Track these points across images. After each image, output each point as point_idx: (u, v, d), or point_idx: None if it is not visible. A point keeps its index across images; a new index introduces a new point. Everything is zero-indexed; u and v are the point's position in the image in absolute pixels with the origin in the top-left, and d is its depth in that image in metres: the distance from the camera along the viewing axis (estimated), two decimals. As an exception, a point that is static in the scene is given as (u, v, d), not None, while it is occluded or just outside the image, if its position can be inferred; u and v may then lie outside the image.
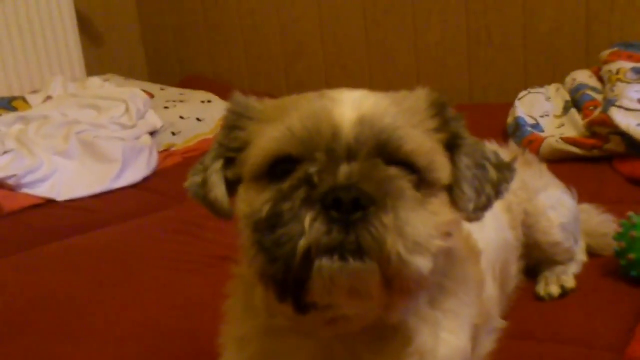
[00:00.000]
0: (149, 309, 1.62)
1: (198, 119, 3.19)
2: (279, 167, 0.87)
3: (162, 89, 3.49)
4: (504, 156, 1.60)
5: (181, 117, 3.18)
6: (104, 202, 2.51)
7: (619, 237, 1.54)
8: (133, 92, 3.12)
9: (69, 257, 1.98)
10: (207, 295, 1.56)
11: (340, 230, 0.79)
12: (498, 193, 0.97)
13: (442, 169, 0.91)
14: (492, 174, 0.97)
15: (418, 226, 0.81)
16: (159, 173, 2.78)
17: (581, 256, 1.66)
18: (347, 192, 0.79)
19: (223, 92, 3.52)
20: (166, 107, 3.24)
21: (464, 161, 0.94)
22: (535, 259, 1.59)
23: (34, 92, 3.26)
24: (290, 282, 0.81)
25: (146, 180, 2.71)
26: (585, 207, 1.78)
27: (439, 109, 0.94)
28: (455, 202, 0.93)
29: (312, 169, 0.82)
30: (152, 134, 3.00)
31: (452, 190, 0.93)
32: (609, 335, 1.33)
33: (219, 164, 0.97)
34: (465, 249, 1.13)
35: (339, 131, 0.86)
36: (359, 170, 0.83)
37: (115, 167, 2.64)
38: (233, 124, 0.97)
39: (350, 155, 0.85)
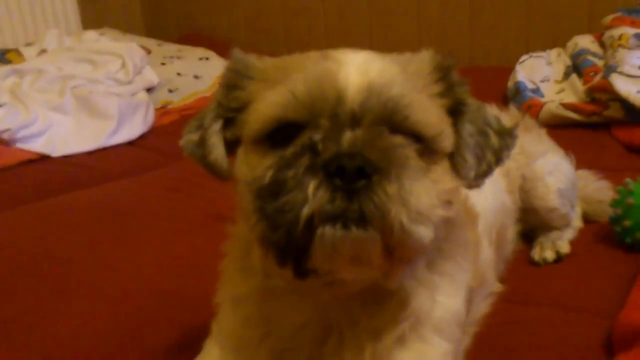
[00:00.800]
0: (143, 267, 1.62)
1: (195, 76, 3.16)
2: (281, 132, 0.86)
3: (159, 45, 3.45)
4: (504, 121, 1.61)
5: (178, 74, 3.15)
6: (99, 159, 2.50)
7: (614, 203, 1.54)
8: (130, 47, 3.08)
9: (63, 214, 1.97)
10: (202, 254, 1.56)
11: (344, 198, 0.78)
12: (499, 160, 0.97)
13: (446, 138, 0.90)
14: (494, 140, 0.96)
15: (421, 196, 0.80)
16: (155, 130, 2.76)
17: (577, 222, 1.67)
18: (351, 159, 0.78)
19: (221, 49, 3.49)
20: (163, 64, 3.20)
21: (467, 128, 0.93)
22: (531, 223, 1.59)
23: (28, 44, 3.21)
24: (291, 248, 0.81)
25: (142, 137, 2.70)
26: (583, 173, 1.78)
27: (443, 73, 0.93)
28: (456, 169, 0.93)
29: (316, 136, 0.81)
30: (149, 90, 2.98)
31: (453, 157, 0.93)
32: (602, 301, 1.34)
33: (218, 125, 0.94)
34: (463, 212, 1.13)
35: (344, 96, 0.84)
36: (363, 137, 0.81)
37: (111, 123, 2.62)
38: (232, 83, 0.94)
39: (354, 121, 0.83)
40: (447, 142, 0.90)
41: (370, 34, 3.66)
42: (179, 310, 1.40)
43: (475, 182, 0.95)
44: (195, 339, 1.14)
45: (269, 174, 0.81)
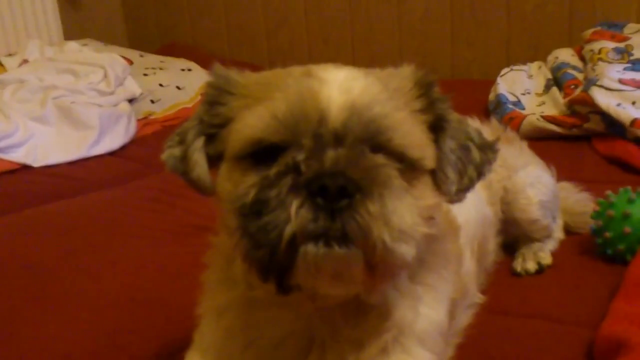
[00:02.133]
0: (124, 277, 1.61)
1: (178, 87, 3.15)
2: (263, 151, 0.85)
3: (141, 56, 3.44)
4: (486, 134, 1.62)
5: (160, 85, 3.14)
6: (81, 169, 2.49)
7: (596, 215, 1.55)
8: (112, 58, 3.07)
9: (45, 223, 1.96)
10: (184, 264, 1.55)
11: (326, 217, 0.78)
12: (480, 174, 0.97)
13: (428, 156, 0.90)
14: (475, 154, 0.97)
15: (403, 214, 0.81)
16: (137, 141, 2.75)
17: (558, 233, 1.68)
18: (333, 179, 0.78)
19: (203, 61, 3.49)
20: (145, 74, 3.19)
21: (449, 144, 0.94)
22: (513, 235, 1.60)
23: (10, 55, 3.19)
24: (274, 266, 0.81)
25: (124, 147, 2.68)
26: (564, 185, 1.80)
27: (424, 89, 0.93)
28: (437, 184, 0.94)
29: (299, 156, 0.81)
30: (131, 101, 2.96)
31: (435, 172, 0.93)
32: (583, 312, 1.35)
33: (200, 142, 0.94)
34: (444, 224, 1.14)
35: (326, 116, 0.84)
36: (346, 156, 0.81)
37: (92, 133, 2.60)
38: (214, 99, 0.94)
39: (337, 140, 0.83)
40: (428, 160, 0.90)
41: (353, 46, 3.68)
42: (160, 320, 1.40)
43: (457, 196, 0.95)
44: (176, 349, 1.14)
45: (252, 192, 0.81)
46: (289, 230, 0.78)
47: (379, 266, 0.81)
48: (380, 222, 0.78)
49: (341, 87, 0.86)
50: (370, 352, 0.96)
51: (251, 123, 0.86)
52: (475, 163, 0.96)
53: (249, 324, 0.97)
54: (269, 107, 0.85)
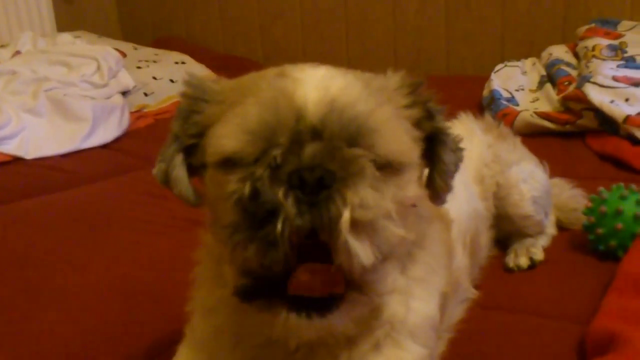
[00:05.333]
0: (117, 270, 1.60)
1: (171, 80, 3.13)
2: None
3: (135, 48, 3.43)
4: (480, 129, 1.63)
5: (154, 78, 3.12)
6: (74, 162, 2.47)
7: (588, 211, 1.56)
8: (105, 50, 3.06)
9: (37, 216, 1.95)
10: (176, 257, 1.55)
11: (307, 210, 0.78)
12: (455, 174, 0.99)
13: (412, 160, 0.90)
14: (458, 155, 0.99)
15: (374, 206, 0.80)
16: (131, 134, 2.74)
17: (551, 229, 1.68)
18: (311, 172, 0.79)
19: (197, 54, 3.49)
20: (139, 67, 3.18)
21: (450, 157, 0.96)
22: (505, 230, 1.60)
23: (2, 46, 3.17)
24: (277, 263, 0.80)
25: (117, 140, 2.67)
26: (557, 181, 1.80)
27: (413, 91, 0.93)
28: (431, 187, 0.96)
29: (278, 151, 0.81)
30: (124, 94, 2.95)
31: (430, 178, 0.96)
32: (575, 308, 1.35)
33: (179, 159, 0.93)
34: (436, 218, 1.14)
35: (303, 113, 0.83)
36: (323, 149, 0.81)
37: (85, 126, 2.59)
38: (189, 109, 0.92)
39: (315, 136, 0.83)
40: (411, 160, 0.89)
41: (347, 42, 3.68)
42: (153, 312, 1.39)
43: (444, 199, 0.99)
44: (169, 342, 1.13)
45: (247, 186, 0.80)
46: (283, 213, 0.78)
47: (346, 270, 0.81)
48: (358, 213, 0.78)
49: (318, 86, 0.85)
50: (362, 349, 0.96)
51: (223, 138, 0.85)
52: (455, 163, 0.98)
53: (238, 323, 0.96)
54: (241, 115, 0.84)
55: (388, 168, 0.85)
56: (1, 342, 1.32)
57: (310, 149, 0.81)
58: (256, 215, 0.79)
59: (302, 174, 0.78)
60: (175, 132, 0.93)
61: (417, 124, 0.93)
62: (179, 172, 0.94)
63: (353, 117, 0.83)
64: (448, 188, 0.97)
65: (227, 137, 0.84)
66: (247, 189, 0.80)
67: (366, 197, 0.80)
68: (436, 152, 0.96)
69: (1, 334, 1.35)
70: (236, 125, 0.84)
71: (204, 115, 0.91)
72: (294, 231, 0.78)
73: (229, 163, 0.84)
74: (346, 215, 0.78)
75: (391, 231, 0.83)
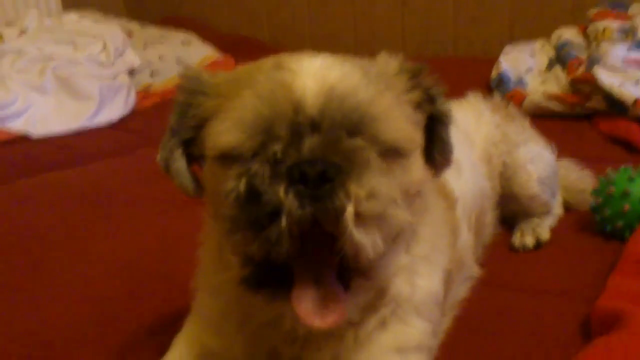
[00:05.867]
0: (123, 247, 1.61)
1: (177, 60, 3.13)
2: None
3: (140, 28, 3.42)
4: (489, 109, 1.62)
5: (160, 57, 3.12)
6: (80, 140, 2.48)
7: (595, 192, 1.55)
8: (111, 29, 3.05)
9: (43, 193, 1.96)
10: (182, 234, 1.55)
11: (310, 203, 0.77)
12: None
13: (413, 143, 0.89)
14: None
15: (382, 195, 0.80)
16: (137, 113, 2.74)
17: (557, 210, 1.68)
18: (312, 166, 0.78)
19: (204, 34, 3.48)
20: (145, 47, 3.17)
21: (450, 135, 0.96)
22: (512, 210, 1.60)
23: (8, 25, 3.16)
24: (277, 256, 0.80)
25: (123, 119, 2.68)
26: (565, 162, 1.79)
27: (415, 77, 0.93)
28: (432, 163, 0.96)
29: (278, 145, 0.80)
30: (130, 73, 2.95)
31: (431, 155, 0.96)
32: (580, 287, 1.35)
33: (178, 152, 0.93)
34: (441, 196, 1.13)
35: (302, 105, 0.82)
36: (324, 142, 0.80)
37: (92, 104, 2.60)
38: (186, 103, 0.92)
39: (314, 127, 0.82)
40: (413, 145, 0.89)
41: (354, 23, 3.65)
42: (158, 289, 1.40)
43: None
44: (175, 317, 1.14)
45: (243, 183, 0.80)
46: (285, 211, 0.77)
47: (350, 261, 0.81)
48: (354, 204, 0.78)
49: (316, 76, 0.84)
50: (368, 327, 0.96)
51: (221, 133, 0.84)
52: None
53: (244, 303, 0.96)
54: (238, 109, 0.83)
55: (392, 155, 0.85)
56: (6, 317, 1.33)
57: (310, 142, 0.80)
58: (257, 214, 0.78)
59: (303, 168, 0.78)
60: (173, 127, 0.93)
61: (417, 106, 0.92)
62: (179, 165, 0.94)
63: (354, 105, 0.83)
64: (448, 163, 0.97)
65: (225, 133, 0.84)
66: (243, 186, 0.80)
67: (371, 188, 0.79)
68: (436, 131, 0.95)
69: (6, 310, 1.35)
70: (233, 120, 0.83)
71: (202, 108, 0.90)
72: (295, 225, 0.78)
73: (227, 158, 0.84)
74: (350, 209, 0.77)
75: (398, 218, 0.82)
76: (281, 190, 0.78)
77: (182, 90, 0.93)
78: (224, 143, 0.83)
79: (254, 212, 0.78)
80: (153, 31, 3.40)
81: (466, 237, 1.30)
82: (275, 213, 0.77)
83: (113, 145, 2.44)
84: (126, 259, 1.55)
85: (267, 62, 0.89)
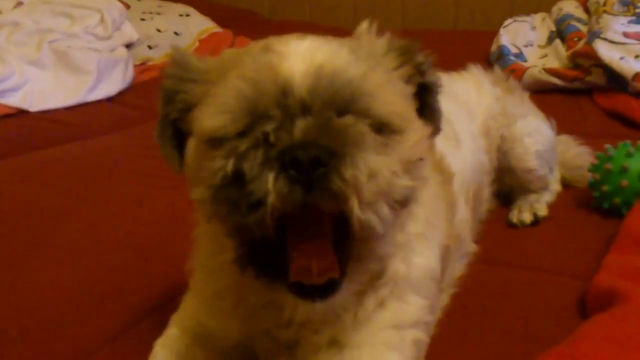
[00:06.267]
0: (122, 223, 1.61)
1: (176, 33, 3.10)
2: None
3: (138, 0, 3.38)
4: (489, 82, 1.61)
5: (158, 30, 3.09)
6: (78, 115, 2.46)
7: (594, 169, 1.55)
8: (108, 2, 3.01)
9: (42, 169, 1.95)
10: (182, 210, 1.55)
11: (302, 190, 0.77)
12: None
13: (408, 118, 0.89)
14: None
15: (380, 172, 0.79)
16: (135, 87, 2.72)
17: (555, 186, 1.68)
18: (305, 150, 0.77)
19: (202, 6, 3.44)
20: (142, 19, 3.14)
21: (439, 103, 0.97)
22: (509, 185, 1.60)
23: (4, -3, 3.13)
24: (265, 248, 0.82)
25: (122, 93, 2.66)
26: (564, 138, 1.79)
27: (405, 54, 0.92)
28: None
29: (268, 127, 0.79)
30: (128, 46, 2.92)
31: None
32: (577, 264, 1.36)
33: (168, 134, 0.94)
34: (437, 171, 1.13)
35: (290, 86, 0.81)
36: (315, 124, 0.79)
37: (90, 78, 2.57)
38: (174, 89, 0.91)
39: (305, 108, 0.81)
40: (411, 122, 0.89)
41: (355, -4, 3.62)
42: (157, 265, 1.41)
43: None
44: (174, 293, 1.15)
45: (230, 165, 0.79)
46: (269, 204, 0.76)
47: (356, 234, 0.81)
48: (356, 187, 0.77)
49: (304, 56, 0.83)
50: (367, 307, 0.97)
51: (204, 119, 0.84)
52: None
53: (239, 285, 0.97)
54: (221, 93, 0.83)
55: (387, 131, 0.84)
56: (6, 293, 1.34)
57: (301, 123, 0.79)
58: (245, 198, 0.77)
59: (296, 153, 0.76)
60: (162, 112, 0.93)
61: (407, 80, 0.92)
62: (169, 148, 0.95)
63: (345, 82, 0.82)
64: (439, 130, 0.98)
65: (209, 117, 0.83)
66: (230, 167, 0.79)
67: (369, 169, 0.78)
68: (426, 101, 0.95)
69: (6, 286, 1.36)
70: (217, 104, 0.83)
71: (189, 94, 0.89)
72: (285, 209, 0.77)
73: (213, 140, 0.83)
74: (351, 192, 0.77)
75: (401, 187, 0.82)
76: (271, 176, 0.76)
77: (170, 76, 0.92)
78: (208, 127, 0.83)
79: (241, 195, 0.77)
80: (150, 3, 3.36)
81: (464, 212, 1.30)
82: (263, 198, 0.77)
83: (111, 120, 2.42)
84: (126, 235, 1.55)
85: (256, 45, 0.89)
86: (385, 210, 0.80)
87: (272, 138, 0.78)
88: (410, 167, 0.85)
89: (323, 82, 0.81)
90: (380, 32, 0.95)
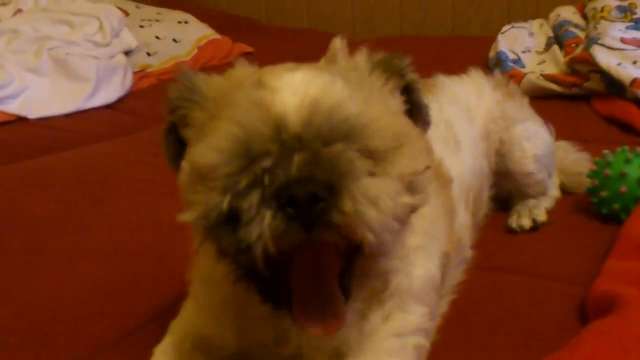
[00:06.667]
0: (122, 229, 1.61)
1: (174, 40, 3.11)
2: None
3: (137, 7, 3.39)
4: (489, 86, 1.62)
5: (157, 37, 3.10)
6: (77, 122, 2.47)
7: (592, 174, 1.55)
8: (107, 9, 3.02)
9: (41, 175, 1.95)
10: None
11: (300, 228, 0.77)
12: None
13: (406, 133, 0.89)
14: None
15: (381, 199, 0.79)
16: (134, 94, 2.73)
17: (554, 191, 1.68)
18: (301, 187, 0.76)
19: (201, 13, 3.45)
20: (141, 26, 3.15)
21: (423, 97, 0.99)
22: (507, 189, 1.60)
23: (3, 4, 3.14)
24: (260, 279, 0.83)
25: (120, 100, 2.66)
26: (562, 144, 1.79)
27: (385, 67, 0.94)
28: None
29: (265, 162, 0.79)
30: (127, 53, 2.93)
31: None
32: (577, 270, 1.35)
33: (171, 137, 0.95)
34: (436, 176, 1.13)
35: (284, 123, 0.81)
36: (311, 159, 0.79)
37: (88, 85, 2.58)
38: (178, 106, 0.93)
39: (301, 143, 0.80)
40: (409, 136, 0.89)
41: (352, 3, 3.63)
42: (156, 272, 1.40)
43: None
44: (173, 301, 1.14)
45: (226, 202, 0.79)
46: (259, 247, 0.77)
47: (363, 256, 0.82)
48: (357, 218, 0.77)
49: (297, 90, 0.83)
50: (374, 322, 0.97)
51: (198, 154, 0.84)
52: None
53: (239, 296, 0.96)
54: (214, 134, 0.82)
55: (383, 151, 0.84)
56: (5, 300, 1.33)
57: (297, 160, 0.79)
58: (240, 236, 0.77)
59: (292, 191, 0.76)
60: (169, 119, 0.95)
61: (394, 91, 0.94)
62: (169, 151, 0.97)
63: (344, 119, 0.81)
64: (429, 122, 1.00)
65: (203, 156, 0.83)
66: (226, 205, 0.78)
67: (368, 194, 0.78)
68: (412, 100, 0.97)
69: (5, 292, 1.36)
70: (210, 145, 0.82)
71: (191, 115, 0.91)
72: (283, 247, 0.78)
73: (207, 176, 0.83)
74: (356, 224, 0.77)
75: (404, 205, 0.83)
76: (268, 216, 0.76)
77: (174, 97, 0.93)
78: (202, 164, 0.83)
79: (236, 236, 0.78)
80: (149, 11, 3.37)
81: (463, 217, 1.30)
82: (258, 239, 0.77)
83: (110, 127, 2.43)
84: (125, 241, 1.55)
85: (250, 78, 0.88)
86: (392, 227, 0.81)
87: (266, 181, 0.78)
88: (412, 181, 0.86)
89: (318, 117, 0.81)
90: (352, 46, 0.97)
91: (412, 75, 0.97)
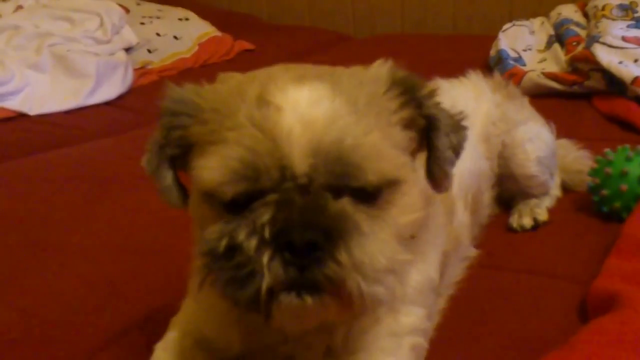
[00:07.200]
0: (121, 225, 1.61)
1: (175, 37, 3.11)
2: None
3: (138, 4, 3.39)
4: (488, 88, 1.61)
5: (157, 34, 3.10)
6: (78, 118, 2.47)
7: (593, 173, 1.55)
8: (108, 6, 3.02)
9: (42, 172, 1.95)
10: (181, 214, 1.55)
11: (296, 271, 0.78)
12: (457, 155, 0.96)
13: (403, 172, 0.86)
14: (453, 139, 0.94)
15: (376, 256, 0.79)
16: (135, 90, 2.73)
17: (556, 191, 1.68)
18: (300, 233, 0.77)
19: (201, 10, 3.45)
20: (142, 23, 3.15)
21: (444, 142, 0.92)
22: (510, 190, 1.60)
23: (4, 0, 3.13)
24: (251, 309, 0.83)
25: (121, 97, 2.66)
26: (563, 142, 1.79)
27: (406, 90, 0.89)
28: (432, 176, 0.93)
29: (265, 214, 0.79)
30: (127, 50, 2.93)
31: (429, 168, 0.93)
32: (577, 268, 1.36)
33: (165, 167, 0.92)
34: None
35: (289, 163, 0.79)
36: (311, 207, 0.79)
37: (89, 82, 2.58)
38: (171, 125, 0.89)
39: (303, 188, 0.80)
40: (405, 176, 0.87)
41: (353, 1, 3.62)
42: (158, 268, 1.41)
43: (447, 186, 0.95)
44: (175, 297, 1.14)
45: (224, 241, 0.80)
46: (261, 284, 0.78)
47: (356, 308, 0.82)
48: (352, 271, 0.78)
49: (303, 119, 0.80)
50: (363, 324, 0.97)
51: (204, 173, 0.83)
52: (453, 146, 0.94)
53: None
54: (220, 154, 0.81)
55: (381, 191, 0.84)
56: (5, 296, 1.33)
57: (297, 206, 0.79)
58: (237, 273, 0.79)
59: (291, 236, 0.77)
60: (160, 143, 0.91)
61: (409, 121, 0.90)
62: (166, 181, 0.93)
63: (345, 152, 0.80)
64: (446, 176, 0.93)
65: (208, 172, 0.82)
66: (223, 246, 0.80)
67: (366, 250, 0.79)
68: (430, 139, 0.92)
69: (5, 288, 1.36)
70: (217, 163, 0.81)
71: (187, 131, 0.88)
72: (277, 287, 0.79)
73: (212, 197, 0.83)
74: (350, 276, 0.78)
75: (399, 260, 0.83)
76: (266, 258, 0.77)
77: (166, 113, 0.90)
78: (208, 181, 0.82)
79: (234, 273, 0.79)
80: (150, 7, 3.37)
81: (462, 217, 1.30)
82: (256, 278, 0.78)
83: (111, 124, 2.43)
84: (126, 238, 1.55)
85: (252, 90, 0.84)
86: (386, 281, 0.81)
87: (269, 228, 0.78)
88: (407, 230, 0.87)
89: (322, 156, 0.80)
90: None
91: (434, 110, 0.91)
